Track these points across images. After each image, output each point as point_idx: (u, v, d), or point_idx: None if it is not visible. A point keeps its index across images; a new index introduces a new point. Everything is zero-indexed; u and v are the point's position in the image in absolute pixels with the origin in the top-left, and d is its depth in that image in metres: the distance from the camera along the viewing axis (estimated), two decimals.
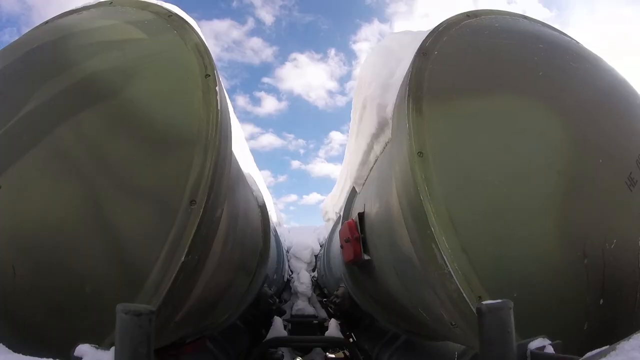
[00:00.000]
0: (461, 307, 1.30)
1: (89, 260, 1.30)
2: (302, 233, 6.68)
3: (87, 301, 1.29)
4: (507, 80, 1.57)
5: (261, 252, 3.19)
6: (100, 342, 1.29)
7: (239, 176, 2.54)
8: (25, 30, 1.82)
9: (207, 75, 1.45)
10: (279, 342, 4.05)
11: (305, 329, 5.40)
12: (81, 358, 1.41)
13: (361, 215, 2.53)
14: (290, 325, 5.55)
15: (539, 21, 1.99)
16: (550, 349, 1.18)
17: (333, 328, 4.43)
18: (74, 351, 1.43)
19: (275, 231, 5.22)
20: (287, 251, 6.31)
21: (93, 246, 1.30)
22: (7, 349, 1.46)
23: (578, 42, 1.94)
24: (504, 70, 1.60)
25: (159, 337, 1.40)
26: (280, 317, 4.98)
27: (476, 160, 1.42)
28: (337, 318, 4.41)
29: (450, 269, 1.28)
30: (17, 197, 1.36)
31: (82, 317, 1.31)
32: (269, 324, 4.61)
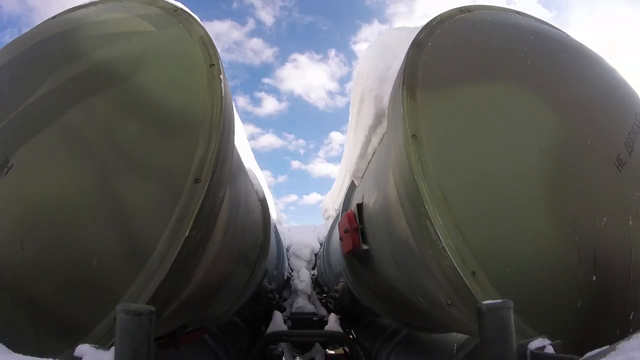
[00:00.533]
0: (455, 283, 1.35)
1: (97, 235, 1.35)
2: (301, 232, 6.70)
3: (93, 275, 1.32)
4: (497, 69, 1.64)
5: (261, 245, 3.22)
6: (103, 317, 1.31)
7: (240, 168, 2.55)
8: (26, 31, 1.85)
9: (212, 65, 1.52)
10: (279, 336, 4.05)
11: (305, 327, 5.42)
12: (81, 358, 1.42)
13: (359, 206, 2.59)
14: (290, 322, 5.57)
15: (530, 16, 2.04)
16: (550, 349, 1.18)
17: (332, 323, 4.45)
18: (74, 351, 1.43)
19: (276, 228, 5.23)
20: (287, 250, 6.33)
21: (101, 222, 1.35)
22: (6, 348, 1.46)
23: (567, 34, 2.00)
24: (494, 60, 1.67)
25: (160, 318, 1.42)
26: (281, 312, 5.00)
27: (468, 142, 1.49)
28: (336, 313, 4.40)
29: (444, 245, 1.33)
30: (29, 174, 1.41)
31: (88, 290, 1.34)
32: (268, 320, 4.61)
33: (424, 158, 1.43)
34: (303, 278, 6.07)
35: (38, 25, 1.81)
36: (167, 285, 1.33)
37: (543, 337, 1.22)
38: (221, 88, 1.47)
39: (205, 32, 1.64)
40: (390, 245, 2.11)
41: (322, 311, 5.72)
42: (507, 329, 1.20)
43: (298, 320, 5.56)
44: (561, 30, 1.99)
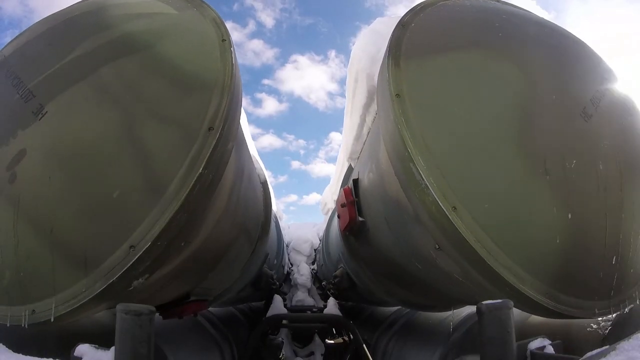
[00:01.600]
0: (439, 219, 1.48)
1: (120, 171, 1.49)
2: (301, 228, 6.74)
3: (114, 205, 1.45)
4: (472, 40, 1.84)
5: (262, 225, 3.28)
6: (118, 247, 1.41)
7: (245, 146, 2.61)
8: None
9: (223, 40, 1.74)
10: (279, 318, 4.09)
11: (304, 318, 5.46)
12: (81, 358, 1.42)
13: (355, 181, 2.72)
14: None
15: (509, 3, 2.19)
16: (550, 349, 1.18)
17: (332, 307, 4.47)
18: (74, 351, 1.44)
19: (276, 218, 5.23)
20: (287, 246, 6.36)
21: (124, 160, 1.50)
22: (6, 348, 1.46)
23: (541, 17, 2.18)
24: (469, 33, 1.88)
25: (170, 264, 1.58)
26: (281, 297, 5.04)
27: (445, 98, 1.67)
28: (335, 297, 4.44)
29: (426, 182, 1.47)
30: (62, 119, 1.59)
31: (107, 220, 1.46)
32: (268, 305, 4.63)
33: (407, 112, 1.60)
34: (303, 272, 6.11)
35: (64, 8, 1.98)
36: (180, 216, 1.43)
37: (543, 337, 1.23)
38: (231, 58, 1.68)
39: (217, 14, 1.85)
40: (384, 207, 2.26)
41: (322, 305, 5.75)
42: (507, 329, 1.21)
43: (298, 312, 5.58)
44: (536, 15, 2.18)
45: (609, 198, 1.66)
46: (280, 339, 5.00)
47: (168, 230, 1.41)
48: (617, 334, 1.67)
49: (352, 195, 2.66)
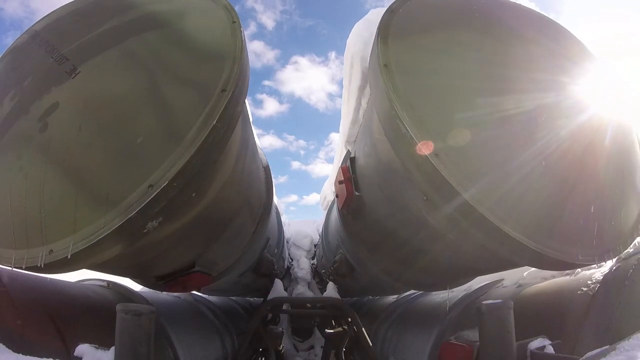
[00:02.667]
0: (424, 167, 1.64)
1: (143, 122, 1.67)
2: (301, 225, 6.79)
3: (136, 150, 1.62)
4: (451, 21, 2.09)
5: (265, 205, 3.40)
6: (137, 188, 1.55)
7: (249, 124, 2.73)
8: None
9: (234, 22, 1.97)
10: (280, 301, 4.23)
11: (305, 313, 5.52)
12: (81, 358, 1.43)
13: (352, 159, 2.91)
14: (290, 306, 5.66)
15: None
16: (550, 349, 1.18)
17: (331, 290, 4.51)
18: (74, 351, 1.44)
19: (277, 209, 5.26)
20: (287, 242, 6.41)
21: (148, 112, 1.69)
22: (6, 348, 1.46)
23: (519, 4, 2.42)
24: (450, 17, 2.12)
25: (182, 209, 1.74)
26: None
27: (427, 68, 1.89)
28: (334, 282, 4.51)
29: (411, 134, 1.65)
30: (94, 77, 1.80)
31: (129, 164, 1.61)
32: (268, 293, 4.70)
33: (393, 78, 1.81)
34: (303, 266, 6.15)
35: None
36: (195, 161, 1.60)
37: (543, 337, 1.23)
38: (241, 36, 1.92)
39: (228, 1, 2.11)
40: (377, 176, 2.45)
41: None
42: (507, 329, 1.21)
43: (297, 305, 5.63)
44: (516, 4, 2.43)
45: (584, 150, 1.83)
46: (280, 329, 5.05)
47: (184, 173, 1.57)
48: (604, 293, 1.82)
49: (349, 171, 2.84)
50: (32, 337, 1.65)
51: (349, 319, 4.09)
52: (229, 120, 1.73)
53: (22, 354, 1.42)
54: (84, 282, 2.97)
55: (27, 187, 1.66)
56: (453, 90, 1.84)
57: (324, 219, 5.46)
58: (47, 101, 1.79)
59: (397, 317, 4.23)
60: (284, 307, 4.62)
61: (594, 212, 1.74)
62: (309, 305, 4.68)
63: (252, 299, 5.81)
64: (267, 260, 4.19)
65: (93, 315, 2.30)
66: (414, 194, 1.88)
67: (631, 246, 1.85)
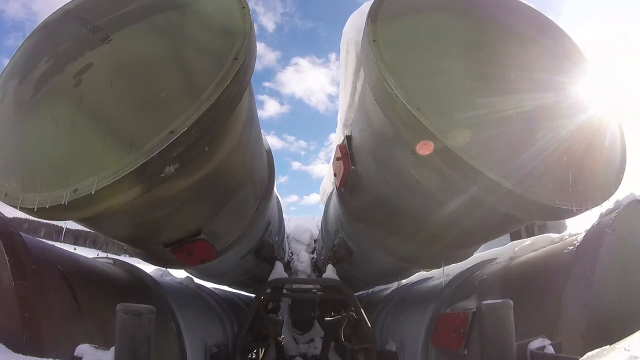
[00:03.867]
0: (408, 120, 1.91)
1: (167, 80, 1.95)
2: (301, 221, 6.84)
3: (160, 102, 1.89)
4: (432, 5, 2.39)
5: (266, 186, 3.61)
6: (159, 134, 1.78)
7: (254, 103, 2.91)
8: None
9: (243, 7, 2.26)
10: (281, 282, 4.42)
11: (304, 302, 5.58)
12: (81, 358, 1.43)
13: (348, 137, 3.16)
14: (290, 300, 5.69)
15: None
16: (550, 349, 1.18)
17: (330, 272, 4.53)
18: (74, 351, 1.44)
19: (278, 199, 5.31)
20: (287, 237, 6.47)
21: (171, 72, 1.98)
22: (6, 348, 1.46)
23: None
24: (432, 2, 2.42)
25: (196, 156, 1.94)
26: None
27: (411, 43, 2.19)
28: (334, 265, 4.61)
29: (396, 92, 1.93)
30: (125, 44, 2.10)
31: (155, 112, 1.87)
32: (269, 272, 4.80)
33: (381, 51, 2.10)
34: (303, 259, 6.18)
35: None
36: (210, 114, 1.86)
37: (543, 337, 1.23)
38: (249, 18, 2.21)
39: None
40: (371, 144, 2.71)
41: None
42: (507, 329, 1.20)
43: (297, 298, 5.67)
44: None
45: (560, 103, 2.12)
46: (281, 317, 5.12)
47: (200, 123, 1.81)
48: (587, 243, 1.98)
49: (346, 148, 3.08)
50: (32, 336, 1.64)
51: (348, 303, 4.18)
52: (239, 84, 2.00)
53: (22, 354, 1.43)
54: (95, 258, 3.19)
55: (58, 135, 1.88)
56: (432, 60, 2.12)
57: (323, 211, 5.51)
58: (82, 62, 2.05)
59: (395, 304, 4.47)
60: (285, 292, 4.69)
61: (569, 162, 1.98)
62: (310, 286, 4.94)
63: (253, 295, 5.85)
64: (269, 244, 4.36)
65: (102, 280, 2.62)
66: (403, 153, 2.17)
67: (613, 202, 2.05)
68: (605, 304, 1.75)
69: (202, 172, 2.17)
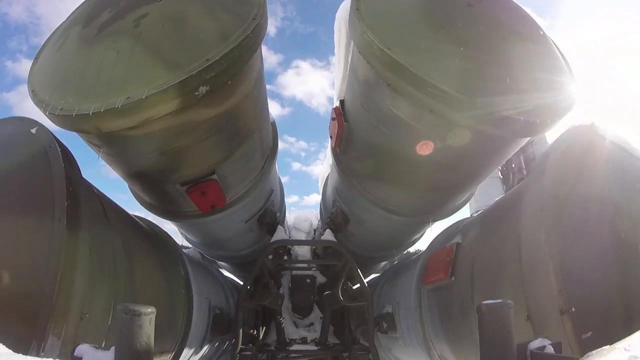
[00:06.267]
0: (382, 57, 2.45)
1: (205, 27, 2.51)
2: (302, 213, 6.94)
3: (201, 41, 2.42)
4: None
5: (271, 148, 3.99)
6: (194, 62, 2.30)
7: (263, 70, 3.28)
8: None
9: None
10: (283, 243, 4.86)
11: (304, 287, 5.68)
12: (81, 358, 1.43)
13: (342, 101, 3.62)
14: (290, 284, 5.77)
15: None
16: (550, 349, 1.19)
17: (328, 235, 4.84)
18: (74, 351, 1.44)
19: (279, 178, 5.42)
20: (288, 227, 6.54)
21: (208, 23, 2.54)
22: (6, 348, 1.46)
23: None
24: None
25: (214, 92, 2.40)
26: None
27: (383, 10, 2.76)
28: (332, 230, 4.86)
29: (371, 38, 2.48)
30: (172, 3, 2.64)
31: (196, 46, 2.39)
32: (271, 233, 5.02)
33: (363, 15, 2.67)
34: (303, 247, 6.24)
35: None
36: (236, 51, 2.40)
37: (543, 337, 1.23)
38: None
39: None
40: (359, 96, 3.12)
41: (320, 278, 5.87)
42: (507, 329, 1.20)
43: (297, 283, 5.74)
44: None
45: (497, 45, 2.61)
46: (282, 291, 5.31)
47: (229, 56, 2.35)
48: (538, 164, 2.40)
49: (340, 108, 3.54)
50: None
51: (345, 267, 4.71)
52: (255, 37, 2.57)
53: (23, 354, 1.42)
54: None
55: (118, 59, 2.36)
56: (400, 19, 2.69)
57: (321, 193, 5.60)
58: (140, 13, 2.60)
59: (389, 276, 5.08)
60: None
61: (509, 83, 2.42)
62: (310, 245, 5.80)
63: None
64: (271, 211, 4.70)
65: (127, 217, 3.14)
66: (382, 91, 2.67)
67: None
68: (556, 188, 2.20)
69: (222, 107, 2.65)
